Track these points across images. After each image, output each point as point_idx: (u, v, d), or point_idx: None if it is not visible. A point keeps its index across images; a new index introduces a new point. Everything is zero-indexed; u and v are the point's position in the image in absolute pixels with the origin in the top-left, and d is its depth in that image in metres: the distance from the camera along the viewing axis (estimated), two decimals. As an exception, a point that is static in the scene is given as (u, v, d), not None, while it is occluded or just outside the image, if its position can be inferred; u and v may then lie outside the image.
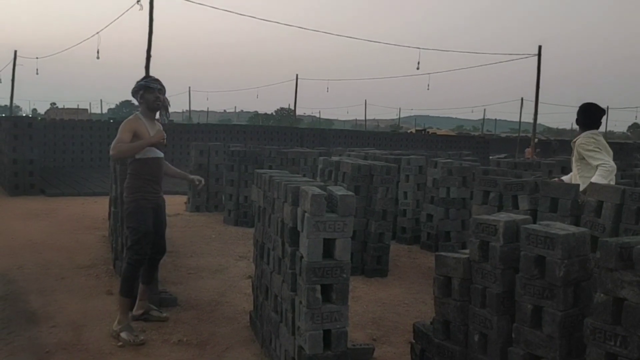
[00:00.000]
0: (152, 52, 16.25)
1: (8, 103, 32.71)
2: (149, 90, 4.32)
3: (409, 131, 42.63)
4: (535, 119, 20.87)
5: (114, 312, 4.41)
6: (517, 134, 43.45)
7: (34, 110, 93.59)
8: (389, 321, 4.83)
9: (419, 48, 23.42)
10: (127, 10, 15.15)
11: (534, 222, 2.98)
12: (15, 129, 11.88)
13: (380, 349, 4.18)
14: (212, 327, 4.51)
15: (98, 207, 10.06)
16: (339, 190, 3.19)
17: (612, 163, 4.71)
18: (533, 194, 4.50)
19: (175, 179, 5.16)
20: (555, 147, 29.04)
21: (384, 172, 6.36)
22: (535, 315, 2.62)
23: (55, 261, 6.31)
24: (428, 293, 5.09)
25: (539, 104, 20.11)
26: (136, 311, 4.53)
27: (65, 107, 67.83)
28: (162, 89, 4.38)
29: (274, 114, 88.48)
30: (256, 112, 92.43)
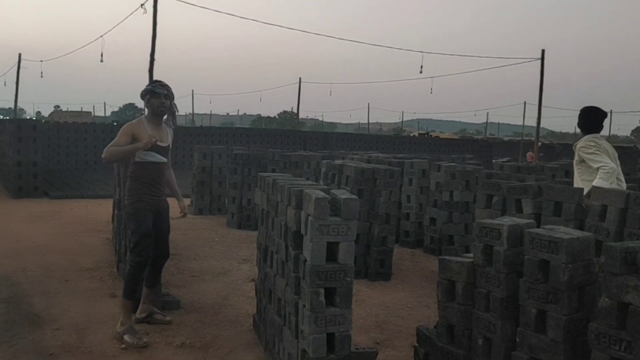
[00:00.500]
0: (156, 56, 16.29)
1: (12, 106, 32.82)
2: (155, 96, 4.34)
3: (412, 135, 42.67)
4: (538, 122, 20.85)
5: (118, 314, 4.41)
6: (520, 138, 43.42)
7: (38, 113, 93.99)
8: (393, 325, 4.82)
9: (422, 52, 23.40)
10: (131, 13, 15.21)
11: (538, 226, 2.97)
12: (19, 131, 11.92)
13: (384, 353, 4.17)
14: (215, 330, 4.51)
15: (102, 210, 10.08)
16: (343, 194, 3.19)
17: (612, 164, 4.70)
18: (536, 198, 4.49)
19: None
20: (559, 151, 28.99)
21: (387, 176, 6.36)
22: (539, 319, 2.61)
23: (59, 264, 6.32)
24: (431, 297, 5.09)
25: (542, 108, 20.11)
26: (139, 314, 4.54)
27: (69, 109, 68.12)
28: (168, 95, 4.39)
29: (277, 117, 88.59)
30: (259, 115, 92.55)
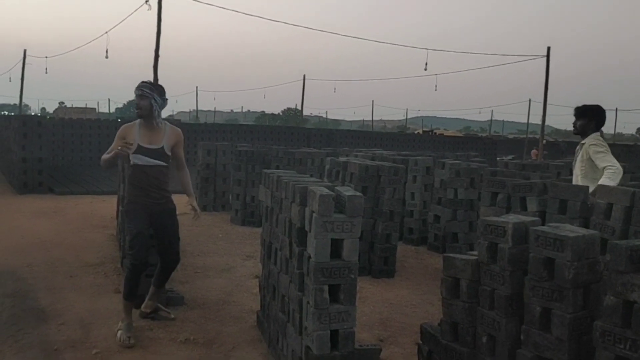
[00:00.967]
0: (160, 52, 16.32)
1: (17, 102, 32.96)
2: (136, 98, 4.28)
3: (416, 132, 42.62)
4: (543, 120, 20.77)
5: (122, 310, 4.43)
6: (524, 136, 43.28)
7: (43, 109, 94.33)
8: (396, 322, 4.82)
9: (426, 49, 23.38)
10: (136, 10, 15.23)
11: (543, 224, 2.96)
12: (24, 127, 11.95)
13: (388, 350, 4.18)
14: (219, 326, 4.52)
15: (106, 206, 10.11)
16: (347, 191, 3.19)
17: (619, 166, 4.65)
18: (542, 196, 4.48)
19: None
20: (564, 149, 28.89)
21: (391, 173, 6.35)
22: (544, 317, 2.61)
23: (64, 259, 6.35)
24: (435, 294, 5.08)
25: (547, 105, 20.03)
26: (144, 308, 4.55)
27: (74, 106, 68.34)
28: (143, 94, 4.22)
29: (281, 114, 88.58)
30: (263, 112, 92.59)
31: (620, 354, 2.24)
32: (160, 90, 4.39)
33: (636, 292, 2.19)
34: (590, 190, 4.42)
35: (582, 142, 4.92)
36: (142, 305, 4.56)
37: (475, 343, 3.00)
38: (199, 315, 4.74)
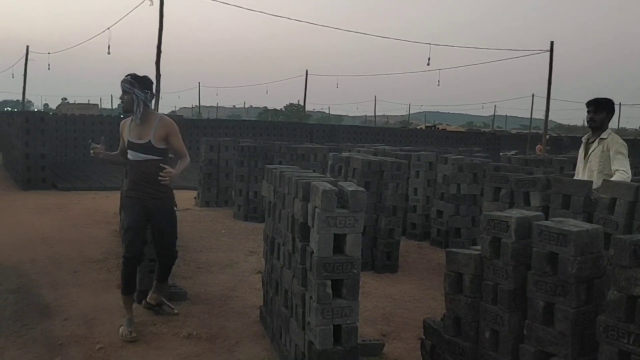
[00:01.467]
0: (163, 48, 16.33)
1: (20, 98, 33.02)
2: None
3: (418, 127, 42.55)
4: (546, 115, 20.74)
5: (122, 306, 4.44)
6: (527, 131, 43.18)
7: (46, 105, 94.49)
8: (399, 317, 4.83)
9: (429, 44, 23.32)
10: (138, 5, 15.22)
11: (546, 219, 2.96)
12: (27, 123, 11.98)
13: (391, 345, 4.18)
14: (222, 321, 4.53)
15: (109, 202, 10.13)
16: (350, 186, 3.19)
17: (630, 173, 4.56)
18: (545, 191, 4.47)
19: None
20: (567, 144, 28.80)
21: (394, 168, 6.34)
22: (547, 312, 2.60)
23: (67, 255, 6.36)
24: (438, 289, 5.08)
25: (551, 100, 19.98)
26: (149, 299, 4.57)
27: (77, 102, 68.40)
28: (124, 89, 4.15)
29: (284, 109, 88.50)
30: (266, 107, 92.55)
31: (624, 349, 2.24)
32: (143, 83, 4.22)
33: (639, 287, 2.19)
34: (595, 185, 4.40)
35: (601, 136, 4.77)
36: (147, 297, 4.58)
37: (478, 338, 3.00)
38: (202, 310, 4.75)
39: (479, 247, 3.07)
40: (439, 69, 27.67)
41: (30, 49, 30.57)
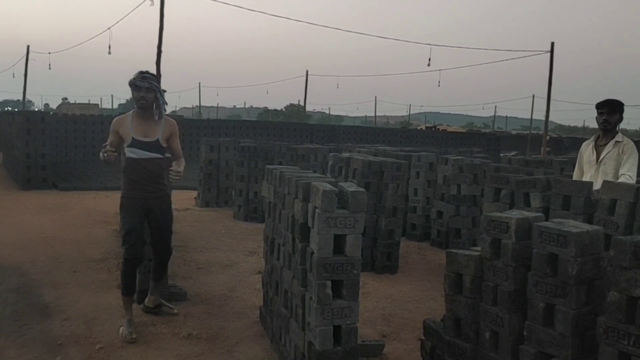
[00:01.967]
0: (163, 48, 16.32)
1: (21, 98, 33.01)
2: (136, 89, 4.16)
3: (419, 128, 42.56)
4: (547, 116, 20.73)
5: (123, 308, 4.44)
6: (528, 132, 43.17)
7: (46, 105, 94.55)
8: (399, 318, 4.82)
9: (429, 44, 23.32)
10: (138, 5, 15.22)
11: (546, 220, 2.95)
12: (27, 123, 11.98)
13: (390, 346, 4.18)
14: (221, 321, 4.53)
15: (110, 202, 10.13)
16: (350, 187, 3.19)
17: (635, 179, 4.55)
18: (545, 192, 4.47)
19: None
20: (567, 145, 28.80)
21: (394, 169, 6.34)
22: (548, 313, 2.60)
23: (68, 255, 6.36)
24: (438, 290, 5.08)
25: (551, 101, 19.98)
26: (147, 303, 4.56)
27: (77, 102, 68.44)
28: (150, 87, 4.14)
29: (284, 109, 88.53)
30: (266, 108, 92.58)
31: (624, 350, 2.23)
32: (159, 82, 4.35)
33: (640, 288, 2.18)
34: (596, 187, 4.39)
35: (617, 139, 4.71)
36: (145, 300, 4.57)
37: (478, 339, 2.99)
38: (201, 310, 4.75)
39: (479, 248, 3.07)
40: (440, 70, 27.67)
41: (30, 49, 30.58)
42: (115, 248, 6.70)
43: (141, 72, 4.23)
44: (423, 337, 3.49)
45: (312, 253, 3.11)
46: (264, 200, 4.61)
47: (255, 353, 3.98)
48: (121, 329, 4.12)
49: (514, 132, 56.51)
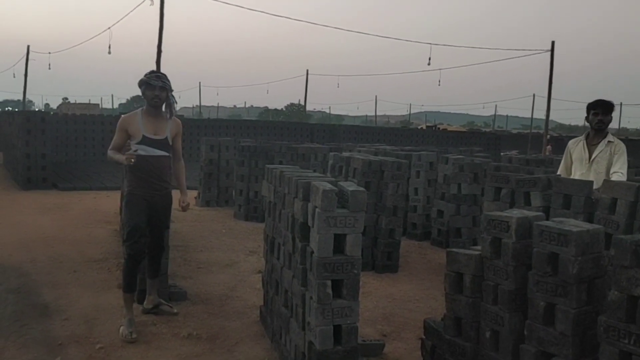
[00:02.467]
0: (163, 48, 16.33)
1: (21, 98, 33.03)
2: (149, 87, 4.23)
3: (419, 127, 42.55)
4: (547, 115, 20.72)
5: (123, 306, 4.44)
6: (528, 131, 43.16)
7: (47, 105, 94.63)
8: (400, 317, 4.82)
9: (430, 43, 23.32)
10: (138, 5, 15.23)
11: (547, 219, 2.95)
12: (28, 123, 11.98)
13: (391, 345, 4.17)
14: (222, 321, 4.53)
15: (110, 201, 10.13)
16: (350, 186, 3.18)
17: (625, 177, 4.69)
18: (546, 191, 4.46)
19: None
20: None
21: (394, 168, 6.34)
22: (548, 312, 2.60)
23: (68, 255, 6.36)
24: (439, 289, 5.08)
25: (552, 100, 19.97)
26: (146, 305, 4.57)
27: (77, 102, 68.49)
28: (164, 86, 4.25)
29: (284, 109, 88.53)
30: (266, 107, 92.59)
31: (625, 349, 2.23)
32: None
33: (641, 287, 2.18)
34: (596, 186, 4.40)
35: (609, 140, 4.82)
36: (145, 302, 4.57)
37: (478, 338, 2.99)
38: (202, 310, 4.75)
39: (479, 247, 3.06)
40: (440, 69, 27.69)
41: (30, 49, 30.60)
42: (116, 248, 6.69)
43: (153, 72, 4.38)
44: (423, 337, 3.49)
45: (312, 252, 3.10)
46: (264, 200, 4.61)
47: (256, 353, 3.97)
48: (121, 328, 4.12)
49: (514, 131, 56.50)
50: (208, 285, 5.43)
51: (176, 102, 4.43)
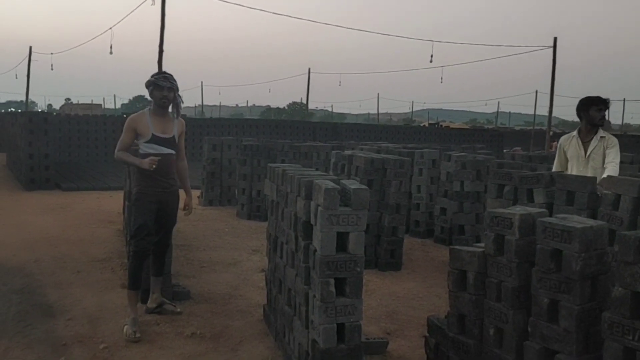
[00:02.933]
0: (165, 47, 16.35)
1: (24, 98, 33.12)
2: (158, 88, 4.33)
3: (422, 125, 42.50)
4: (550, 111, 20.67)
5: (127, 305, 4.44)
6: (531, 127, 43.05)
7: (49, 105, 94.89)
8: (403, 315, 4.82)
9: (432, 41, 23.27)
10: (140, 5, 15.23)
11: (550, 216, 2.94)
12: (30, 124, 12.00)
13: (395, 343, 4.17)
14: (225, 320, 4.53)
15: (113, 201, 10.15)
16: (353, 184, 3.18)
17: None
18: (549, 187, 4.45)
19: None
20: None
21: (397, 166, 6.33)
22: (552, 309, 2.59)
23: (71, 255, 6.37)
24: (442, 287, 5.07)
25: (554, 97, 19.90)
26: (150, 304, 4.57)
27: (80, 102, 68.63)
28: (172, 87, 4.35)
29: (286, 108, 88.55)
30: (268, 106, 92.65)
31: (629, 345, 2.22)
32: None
33: (645, 283, 2.17)
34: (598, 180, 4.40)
35: (602, 135, 4.86)
36: (148, 302, 4.58)
37: (482, 335, 2.98)
38: (205, 309, 4.75)
39: (482, 245, 3.06)
40: (442, 66, 27.64)
41: (33, 50, 30.65)
42: (119, 248, 6.71)
43: (160, 73, 4.48)
44: (427, 334, 3.49)
45: (315, 251, 3.10)
46: (266, 199, 4.62)
47: (259, 351, 3.98)
48: (125, 327, 4.13)
49: (517, 128, 56.38)
50: (211, 285, 5.43)
51: (182, 102, 4.54)
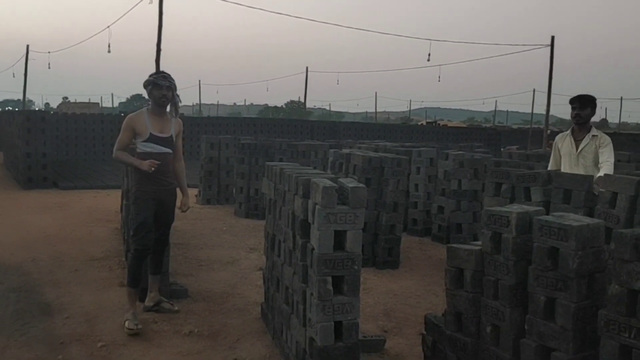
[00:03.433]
0: (162, 46, 16.34)
1: (21, 97, 33.06)
2: (157, 87, 4.35)
3: (419, 123, 42.50)
4: (547, 110, 20.70)
5: (127, 303, 4.45)
6: (529, 126, 43.11)
7: (47, 104, 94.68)
8: (400, 313, 4.83)
9: (429, 39, 23.31)
10: (137, 3, 15.21)
11: (547, 214, 2.95)
12: (28, 122, 11.97)
13: (392, 341, 4.18)
14: (223, 318, 4.53)
15: (110, 200, 10.14)
16: (350, 183, 3.18)
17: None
18: (546, 186, 4.46)
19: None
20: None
21: (395, 165, 6.34)
22: (548, 307, 2.60)
23: (69, 253, 6.37)
24: (439, 285, 5.08)
25: (552, 95, 19.94)
26: (148, 302, 4.58)
27: (77, 101, 68.46)
28: (170, 86, 4.37)
29: (284, 106, 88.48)
30: (266, 105, 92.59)
31: (625, 343, 2.23)
32: None
33: (641, 281, 2.18)
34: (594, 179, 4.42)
35: (593, 134, 4.93)
36: (146, 300, 4.59)
37: (479, 333, 2.99)
38: (203, 307, 4.76)
39: (479, 243, 3.06)
40: (440, 65, 27.75)
41: (30, 48, 30.61)
42: (117, 246, 6.71)
43: (159, 72, 4.52)
44: (424, 332, 3.49)
45: (313, 249, 3.11)
46: (264, 197, 4.62)
47: (257, 349, 3.98)
48: (127, 322, 4.14)
49: (514, 127, 56.45)
50: (209, 283, 5.44)
51: (180, 102, 4.57)
